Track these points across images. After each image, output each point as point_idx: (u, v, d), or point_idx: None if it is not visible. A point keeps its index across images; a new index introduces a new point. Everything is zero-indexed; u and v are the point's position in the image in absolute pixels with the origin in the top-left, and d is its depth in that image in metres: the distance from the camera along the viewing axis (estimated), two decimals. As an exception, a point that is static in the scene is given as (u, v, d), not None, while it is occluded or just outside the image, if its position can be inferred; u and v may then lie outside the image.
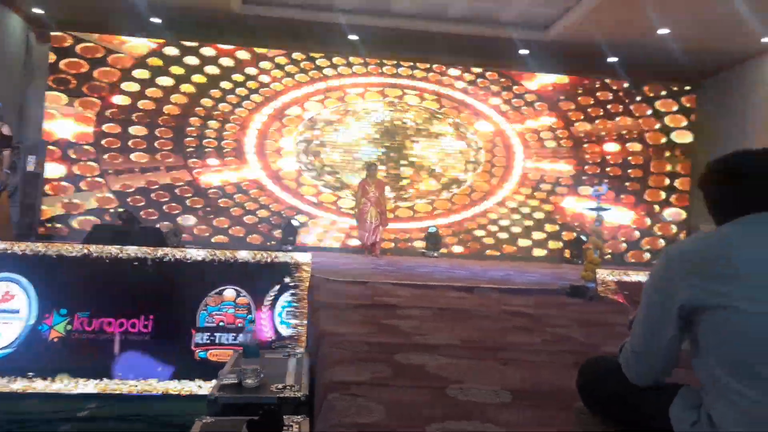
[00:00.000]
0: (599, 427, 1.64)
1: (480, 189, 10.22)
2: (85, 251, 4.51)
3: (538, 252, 10.18)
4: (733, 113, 9.54)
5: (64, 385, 4.17)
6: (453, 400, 1.88)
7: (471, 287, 4.90)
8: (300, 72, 9.97)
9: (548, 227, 10.26)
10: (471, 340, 2.84)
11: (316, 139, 9.95)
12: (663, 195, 10.47)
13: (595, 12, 7.92)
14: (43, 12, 8.92)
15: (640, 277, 4.92)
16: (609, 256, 9.67)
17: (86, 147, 9.27)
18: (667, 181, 10.50)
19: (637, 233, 10.37)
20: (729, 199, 1.36)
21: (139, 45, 9.52)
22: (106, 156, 9.32)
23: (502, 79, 10.41)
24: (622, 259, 10.08)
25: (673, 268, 1.32)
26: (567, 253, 9.95)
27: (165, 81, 9.56)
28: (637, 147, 10.49)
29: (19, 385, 4.14)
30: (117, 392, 4.16)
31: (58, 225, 9.06)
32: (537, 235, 10.22)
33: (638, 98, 10.54)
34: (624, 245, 10.28)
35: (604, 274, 4.95)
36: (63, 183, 9.17)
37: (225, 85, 9.75)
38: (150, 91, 9.50)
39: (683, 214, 10.43)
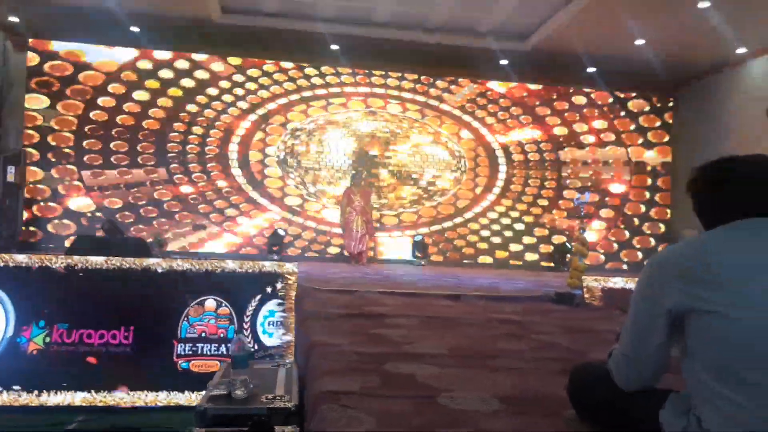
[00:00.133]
0: (589, 434, 1.65)
1: (464, 197, 10.28)
2: (62, 262, 4.44)
3: (524, 259, 10.25)
4: (711, 120, 9.73)
5: (49, 398, 4.10)
6: (443, 408, 1.88)
7: (458, 295, 4.92)
8: (282, 82, 9.98)
9: (533, 235, 10.34)
10: (459, 348, 2.85)
11: (300, 146, 9.94)
12: (643, 208, 10.62)
13: (573, 22, 8.05)
14: (18, 20, 8.81)
15: (627, 283, 4.97)
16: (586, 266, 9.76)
17: (66, 150, 9.15)
18: (648, 195, 10.66)
19: (615, 245, 10.50)
20: (714, 205, 1.39)
21: (118, 54, 9.44)
22: (85, 158, 9.22)
23: (482, 88, 10.51)
24: (604, 270, 10.20)
25: (659, 274, 1.35)
26: (552, 261, 10.04)
27: (143, 92, 9.48)
28: (618, 153, 10.64)
29: (4, 398, 4.06)
30: (102, 405, 4.10)
31: (40, 232, 8.92)
32: (523, 243, 10.30)
33: (616, 105, 10.71)
34: (603, 257, 10.38)
35: (589, 281, 5.00)
36: (40, 186, 9.03)
37: (208, 93, 9.71)
38: (130, 101, 9.42)
39: (662, 228, 10.58)
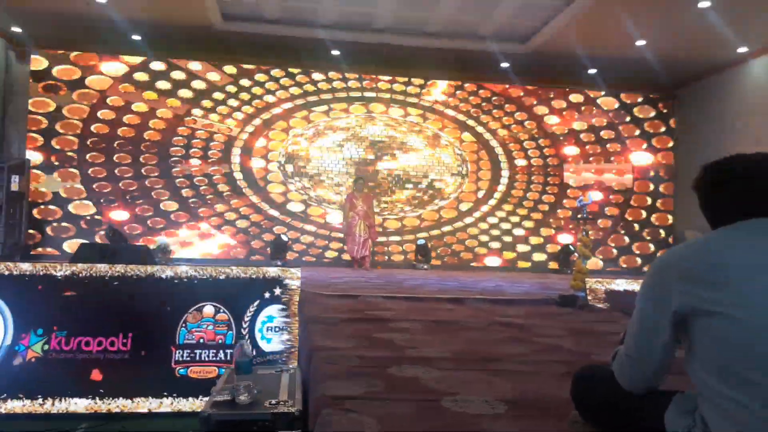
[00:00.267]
0: (593, 436, 1.65)
1: (467, 200, 10.28)
2: (65, 271, 4.45)
3: (528, 261, 10.24)
4: (712, 120, 9.71)
5: (54, 405, 4.11)
6: (447, 412, 1.88)
7: (462, 299, 4.91)
8: (284, 88, 10.01)
9: (536, 237, 10.33)
10: (463, 352, 2.85)
11: (301, 151, 9.96)
12: (644, 213, 10.61)
13: (574, 24, 8.05)
14: (21, 30, 8.87)
15: (630, 285, 4.96)
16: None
17: (69, 153, 9.18)
18: (649, 200, 10.65)
19: (614, 251, 10.48)
20: (715, 205, 1.39)
21: (119, 62, 9.49)
22: (90, 171, 9.25)
23: (484, 92, 10.53)
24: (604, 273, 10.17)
25: (663, 275, 1.34)
26: (555, 264, 10.03)
27: (141, 104, 9.49)
28: (619, 158, 10.64)
29: (9, 405, 4.07)
30: (103, 412, 4.11)
31: (45, 246, 8.95)
32: (525, 246, 10.28)
33: (621, 111, 10.70)
34: (601, 263, 10.35)
35: (593, 283, 4.99)
36: (42, 189, 9.06)
37: (211, 99, 9.74)
38: (129, 112, 9.43)
39: (662, 233, 10.56)
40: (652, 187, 10.67)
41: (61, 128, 9.19)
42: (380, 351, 2.78)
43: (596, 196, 10.27)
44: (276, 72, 10.01)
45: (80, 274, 4.46)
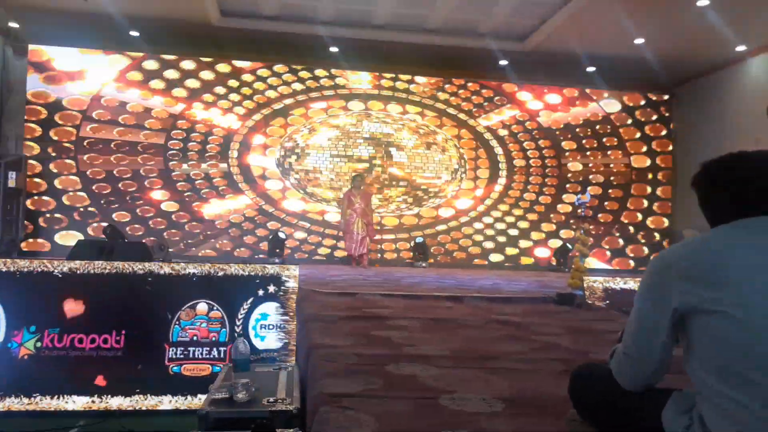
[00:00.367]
0: (591, 434, 1.65)
1: (465, 198, 10.28)
2: (60, 267, 4.44)
3: (525, 259, 10.24)
4: (711, 119, 9.72)
5: (47, 402, 4.10)
6: (445, 409, 1.88)
7: (459, 297, 4.91)
8: (282, 85, 9.98)
9: (534, 236, 10.33)
10: (461, 350, 2.85)
11: (298, 149, 9.94)
12: (639, 216, 10.62)
13: (572, 22, 8.05)
14: (18, 26, 8.83)
15: (628, 284, 4.97)
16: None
17: (67, 160, 9.16)
18: (646, 203, 10.65)
19: (608, 253, 10.50)
20: (715, 204, 1.39)
21: (116, 59, 9.47)
22: (87, 165, 9.22)
23: (484, 90, 10.52)
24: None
25: (664, 274, 1.34)
26: (553, 261, 10.03)
27: (140, 97, 9.47)
28: (618, 157, 10.64)
29: (5, 403, 4.06)
30: (100, 409, 4.10)
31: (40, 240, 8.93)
32: (523, 244, 10.29)
33: (622, 113, 10.69)
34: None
35: (591, 282, 4.99)
36: (36, 180, 9.04)
37: (209, 95, 9.71)
38: (126, 112, 9.41)
39: (657, 236, 10.57)
40: (649, 189, 10.65)
41: (59, 119, 9.17)
42: (378, 349, 2.78)
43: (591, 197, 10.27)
44: (278, 68, 9.98)
45: (78, 271, 4.44)
